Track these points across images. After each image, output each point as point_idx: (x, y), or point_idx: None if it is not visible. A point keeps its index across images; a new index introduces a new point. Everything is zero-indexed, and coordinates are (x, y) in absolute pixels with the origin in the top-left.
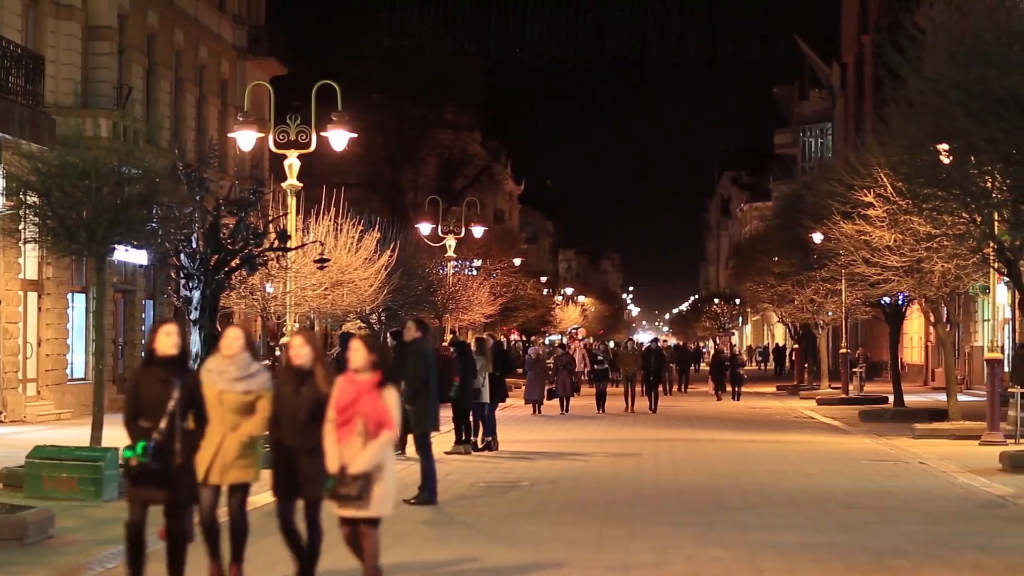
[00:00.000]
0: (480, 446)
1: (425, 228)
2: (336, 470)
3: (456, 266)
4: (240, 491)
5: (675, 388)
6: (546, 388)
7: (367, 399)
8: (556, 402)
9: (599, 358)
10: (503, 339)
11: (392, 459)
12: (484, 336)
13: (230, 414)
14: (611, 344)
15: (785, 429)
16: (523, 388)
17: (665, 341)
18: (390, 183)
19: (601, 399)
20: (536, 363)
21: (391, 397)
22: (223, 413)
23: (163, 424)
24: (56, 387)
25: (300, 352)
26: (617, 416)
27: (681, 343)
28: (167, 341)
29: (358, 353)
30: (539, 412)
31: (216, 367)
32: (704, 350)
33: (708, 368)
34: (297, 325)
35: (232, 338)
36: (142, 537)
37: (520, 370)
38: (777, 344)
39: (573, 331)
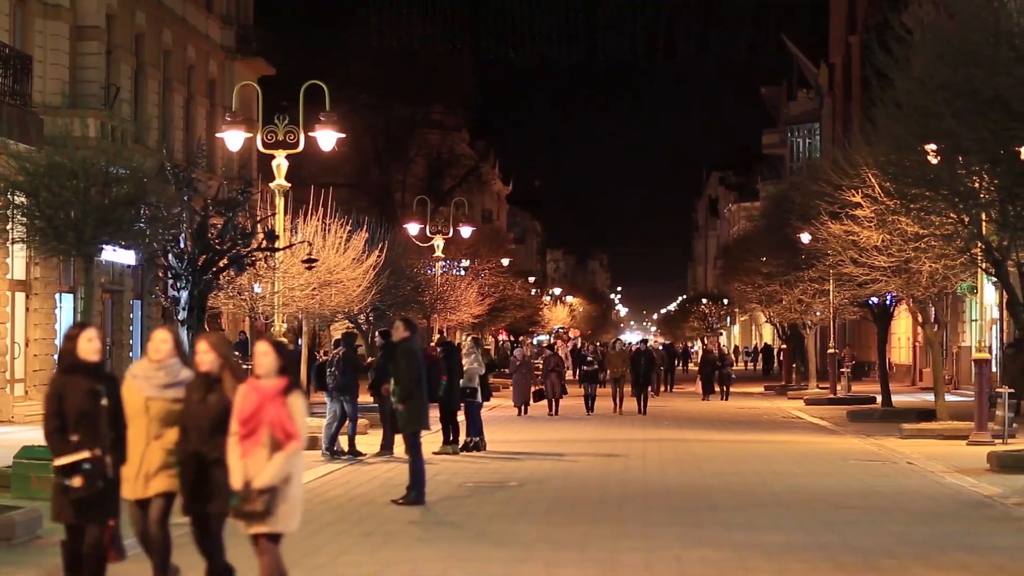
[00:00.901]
0: (470, 446)
1: (413, 228)
2: (240, 486)
3: (444, 266)
4: (163, 500)
5: (661, 388)
6: (533, 390)
7: (272, 408)
8: (544, 404)
9: (588, 359)
10: (492, 338)
11: (301, 471)
12: (477, 336)
13: (155, 423)
14: (599, 344)
15: (773, 429)
16: (510, 389)
17: (657, 342)
18: (378, 183)
19: (590, 401)
20: (523, 365)
21: (297, 405)
22: (147, 422)
23: (99, 445)
24: (44, 387)
25: (205, 358)
26: (605, 417)
27: (667, 343)
28: (89, 347)
29: (265, 358)
30: (525, 413)
31: (143, 372)
32: (692, 350)
33: (696, 368)
34: (285, 325)
35: (160, 340)
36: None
37: (506, 370)
38: (766, 344)
39: (561, 331)
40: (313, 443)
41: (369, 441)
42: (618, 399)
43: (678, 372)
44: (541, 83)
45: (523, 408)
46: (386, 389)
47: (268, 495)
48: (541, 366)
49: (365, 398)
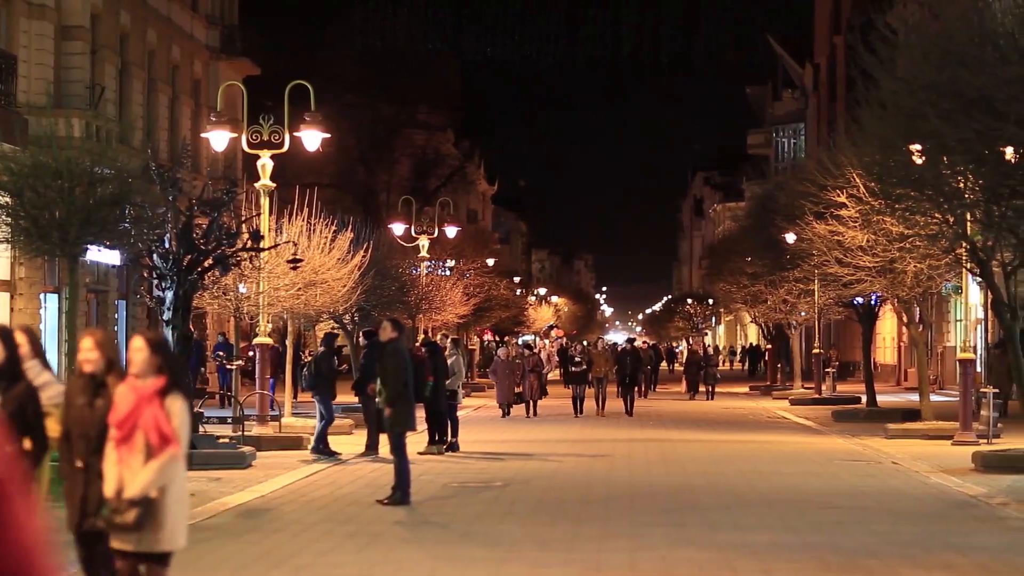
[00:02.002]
0: (457, 446)
1: (398, 228)
2: (112, 495)
3: (429, 266)
4: None
5: (646, 389)
6: (516, 391)
7: (149, 410)
8: (523, 406)
9: (576, 359)
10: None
11: (183, 479)
12: (457, 337)
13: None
14: (587, 343)
15: (758, 429)
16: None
17: (645, 342)
18: (363, 183)
19: (578, 402)
20: (505, 365)
21: (177, 407)
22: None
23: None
24: None
25: (89, 356)
26: (589, 417)
27: (652, 343)
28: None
29: (139, 354)
30: (508, 414)
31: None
32: (677, 350)
33: (682, 368)
34: (270, 326)
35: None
36: None
37: (489, 369)
38: (751, 344)
39: (551, 328)
40: (298, 443)
41: (354, 441)
42: (601, 400)
43: (664, 372)
44: (526, 83)
45: (507, 409)
46: (372, 389)
47: (141, 507)
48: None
49: (347, 398)
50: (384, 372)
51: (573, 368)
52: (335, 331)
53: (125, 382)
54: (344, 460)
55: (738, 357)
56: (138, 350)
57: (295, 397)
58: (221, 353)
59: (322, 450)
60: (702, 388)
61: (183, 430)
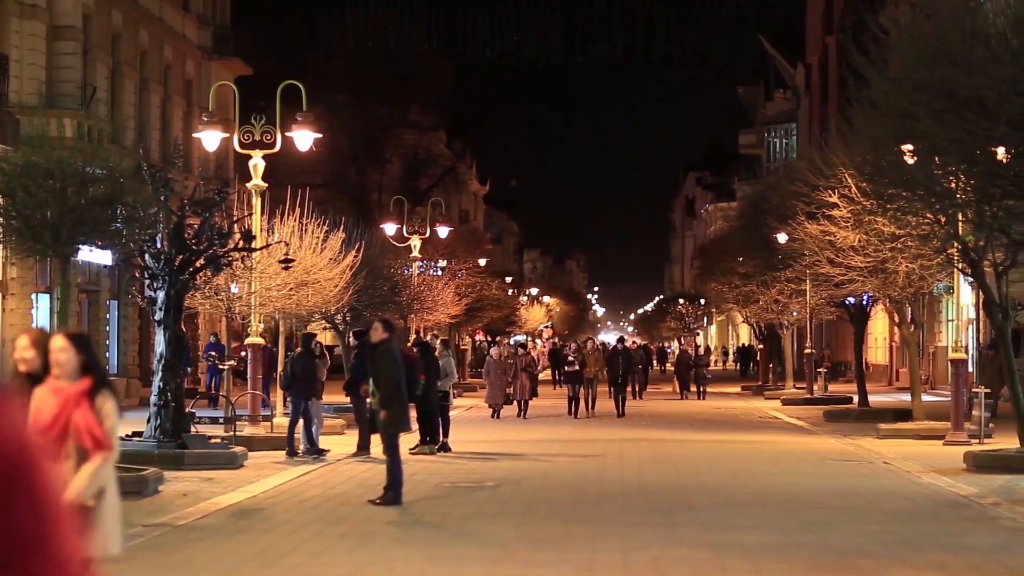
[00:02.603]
0: (448, 446)
1: (390, 228)
2: None
3: (421, 266)
4: None
5: (636, 389)
6: (506, 392)
7: (76, 413)
8: (514, 406)
9: (570, 359)
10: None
11: (114, 484)
12: (447, 338)
13: None
14: (580, 343)
15: (750, 429)
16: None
17: (635, 342)
18: (355, 183)
19: (574, 404)
20: (498, 365)
21: (106, 408)
22: None
23: None
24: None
25: (25, 356)
26: (581, 418)
27: (641, 343)
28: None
29: (62, 355)
30: (499, 416)
31: None
32: (669, 350)
33: (672, 368)
34: (262, 326)
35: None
36: None
37: (483, 370)
38: (743, 344)
39: (545, 328)
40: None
41: (346, 441)
42: (590, 401)
43: (655, 372)
44: (518, 83)
45: (497, 411)
46: (364, 390)
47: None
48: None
49: (338, 398)
50: (377, 373)
51: (567, 368)
52: (313, 332)
53: (45, 384)
54: (317, 459)
55: (731, 357)
56: (61, 350)
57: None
58: (213, 353)
59: (310, 450)
60: (693, 388)
61: (114, 432)
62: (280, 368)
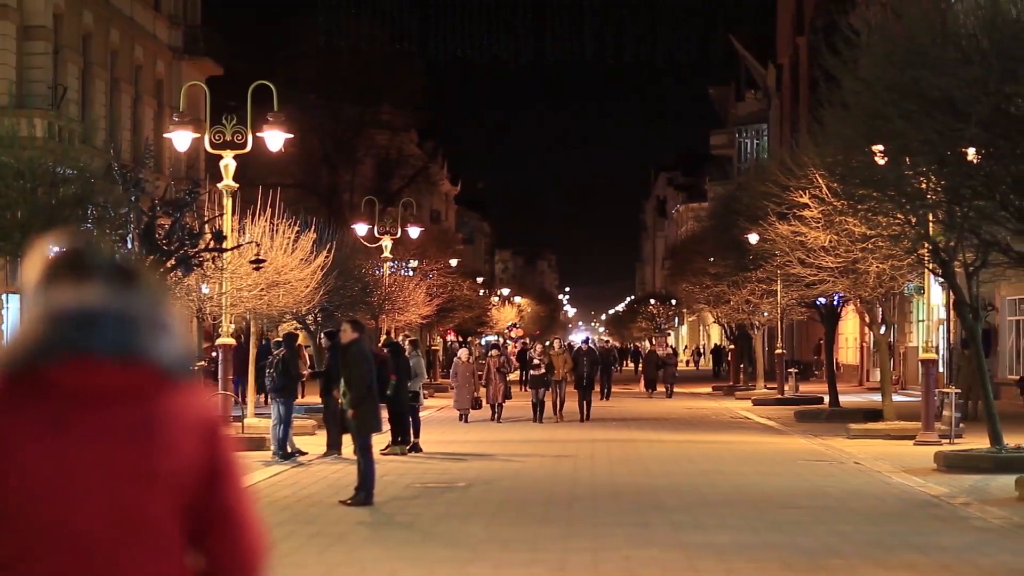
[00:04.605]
0: (419, 447)
1: (361, 229)
2: None
3: (392, 267)
4: None
5: (604, 389)
6: (474, 396)
7: None
8: (484, 410)
9: (535, 362)
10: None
11: None
12: (416, 339)
13: None
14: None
15: (721, 429)
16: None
17: (608, 342)
18: (326, 184)
19: (539, 408)
20: (466, 367)
21: None
22: None
23: None
24: None
25: None
26: (549, 420)
27: (605, 341)
28: None
29: None
30: (466, 420)
31: None
32: (642, 351)
33: (640, 367)
34: (232, 326)
35: None
36: None
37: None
38: (716, 345)
39: (511, 327)
40: (260, 444)
41: (316, 441)
42: (558, 403)
43: (626, 372)
44: (489, 83)
45: (465, 415)
46: (336, 395)
47: None
48: (484, 368)
49: (311, 398)
50: (348, 374)
51: (532, 372)
52: (294, 331)
53: None
54: (303, 462)
55: (704, 357)
56: None
57: (264, 399)
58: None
59: (288, 453)
60: (661, 387)
61: None
62: (253, 367)
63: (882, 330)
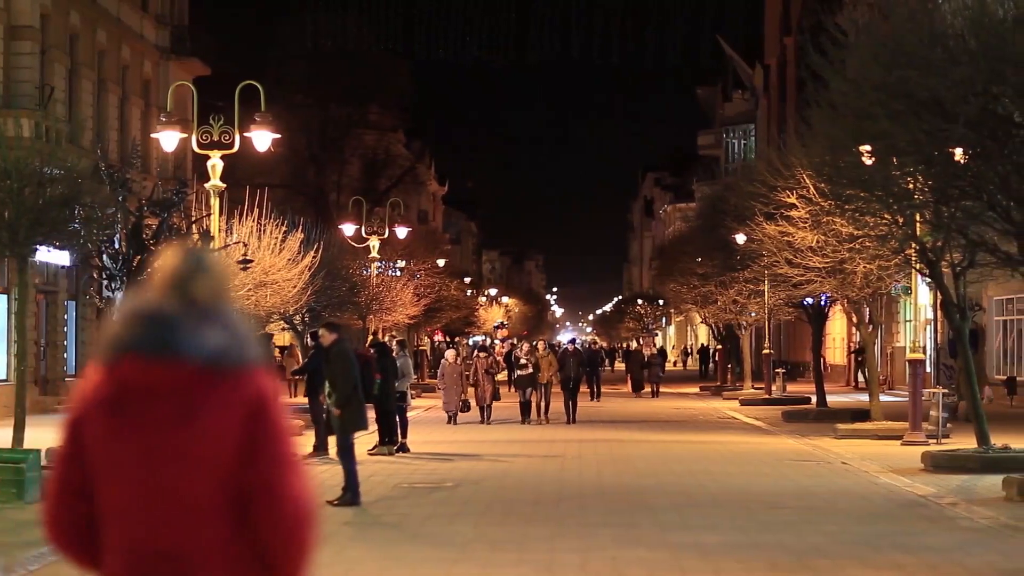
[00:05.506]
0: (407, 447)
1: (349, 229)
2: None
3: (380, 267)
4: None
5: (594, 390)
6: (462, 398)
7: None
8: (472, 412)
9: (523, 361)
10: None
11: None
12: (403, 339)
13: None
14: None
15: (708, 430)
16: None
17: (596, 342)
18: (314, 184)
19: (526, 409)
20: (453, 369)
21: None
22: None
23: None
24: None
25: None
26: (534, 424)
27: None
28: None
29: None
30: (455, 422)
31: None
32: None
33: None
34: None
35: None
36: None
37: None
38: (703, 345)
39: (499, 326)
40: None
41: (303, 442)
42: (544, 406)
43: (607, 373)
44: (477, 84)
45: (452, 417)
46: (322, 399)
47: None
48: (472, 369)
49: (299, 399)
50: (333, 375)
51: (519, 371)
52: (268, 332)
53: None
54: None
55: (692, 357)
56: None
57: None
58: None
59: None
60: (647, 388)
61: None
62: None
63: (869, 329)
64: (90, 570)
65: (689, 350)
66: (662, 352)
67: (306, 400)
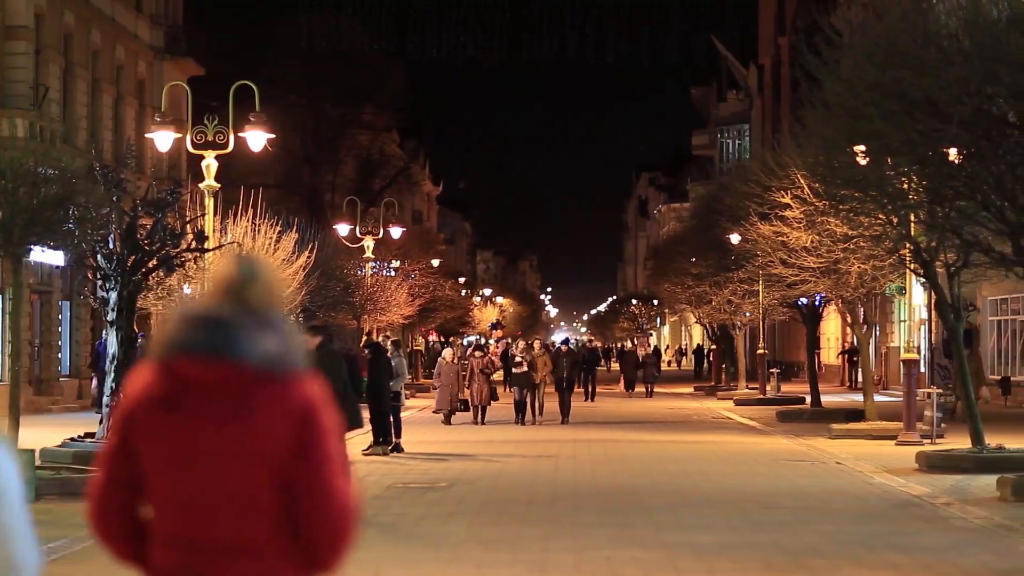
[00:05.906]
0: (401, 447)
1: (343, 229)
2: None
3: (374, 267)
4: None
5: (589, 390)
6: (458, 398)
7: None
8: (468, 412)
9: (517, 359)
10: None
11: None
12: (397, 339)
13: None
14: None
15: (703, 430)
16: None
17: (591, 341)
18: (308, 184)
19: (520, 408)
20: (450, 367)
21: None
22: None
23: None
24: None
25: None
26: (528, 424)
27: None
28: None
29: None
30: (450, 422)
31: None
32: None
33: (618, 366)
34: None
35: None
36: None
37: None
38: (698, 345)
39: (495, 326)
40: None
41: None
42: (538, 406)
43: (601, 372)
44: (472, 84)
45: (448, 416)
46: None
47: None
48: (468, 369)
49: None
50: (323, 376)
51: (514, 369)
52: None
53: None
54: None
55: (687, 357)
56: None
57: None
58: None
59: None
60: (640, 387)
61: None
62: None
63: (863, 329)
64: (131, 564)
65: (684, 350)
66: (657, 352)
67: None
